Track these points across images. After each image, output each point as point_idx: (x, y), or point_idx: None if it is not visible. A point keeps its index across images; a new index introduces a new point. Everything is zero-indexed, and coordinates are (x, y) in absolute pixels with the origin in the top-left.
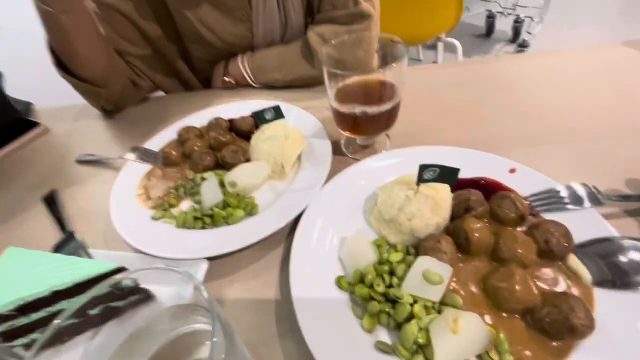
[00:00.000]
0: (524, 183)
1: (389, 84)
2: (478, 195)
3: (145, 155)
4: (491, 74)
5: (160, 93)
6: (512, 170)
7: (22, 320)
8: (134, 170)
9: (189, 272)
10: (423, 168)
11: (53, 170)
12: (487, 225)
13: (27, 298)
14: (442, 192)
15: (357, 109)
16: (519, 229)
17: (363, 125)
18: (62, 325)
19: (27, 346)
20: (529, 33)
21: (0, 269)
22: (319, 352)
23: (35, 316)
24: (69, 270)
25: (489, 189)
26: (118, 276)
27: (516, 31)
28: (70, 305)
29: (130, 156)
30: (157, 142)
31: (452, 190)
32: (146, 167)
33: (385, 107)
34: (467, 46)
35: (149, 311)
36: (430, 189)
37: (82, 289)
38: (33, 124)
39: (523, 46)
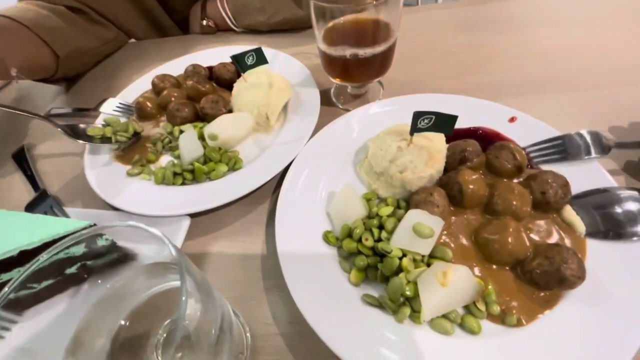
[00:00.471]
0: (524, 132)
1: (384, 23)
2: (475, 146)
3: (119, 108)
4: (493, 15)
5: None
6: (512, 119)
7: None
8: None
9: (170, 229)
10: (418, 116)
11: (22, 125)
12: (482, 177)
13: None
14: (438, 143)
15: (348, 52)
16: (515, 180)
17: (354, 70)
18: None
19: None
20: None
21: None
22: (305, 306)
23: (5, 276)
24: (38, 229)
25: (487, 138)
26: (87, 232)
27: None
28: (28, 268)
29: (103, 109)
30: (131, 93)
31: (447, 141)
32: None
33: (379, 48)
34: None
35: (128, 269)
36: (425, 140)
37: None
38: None
39: None
